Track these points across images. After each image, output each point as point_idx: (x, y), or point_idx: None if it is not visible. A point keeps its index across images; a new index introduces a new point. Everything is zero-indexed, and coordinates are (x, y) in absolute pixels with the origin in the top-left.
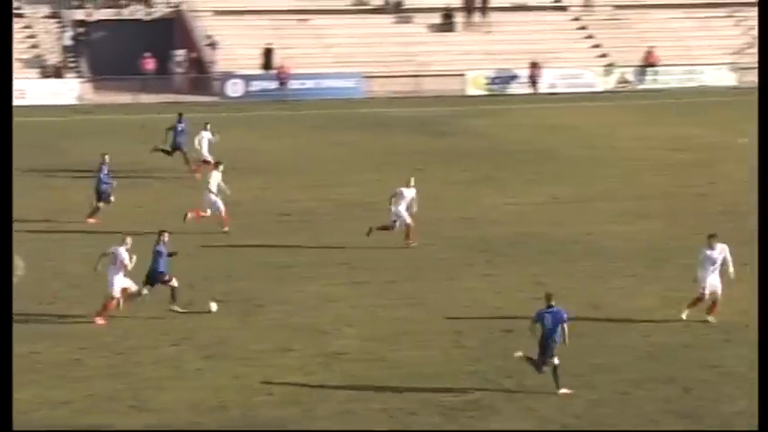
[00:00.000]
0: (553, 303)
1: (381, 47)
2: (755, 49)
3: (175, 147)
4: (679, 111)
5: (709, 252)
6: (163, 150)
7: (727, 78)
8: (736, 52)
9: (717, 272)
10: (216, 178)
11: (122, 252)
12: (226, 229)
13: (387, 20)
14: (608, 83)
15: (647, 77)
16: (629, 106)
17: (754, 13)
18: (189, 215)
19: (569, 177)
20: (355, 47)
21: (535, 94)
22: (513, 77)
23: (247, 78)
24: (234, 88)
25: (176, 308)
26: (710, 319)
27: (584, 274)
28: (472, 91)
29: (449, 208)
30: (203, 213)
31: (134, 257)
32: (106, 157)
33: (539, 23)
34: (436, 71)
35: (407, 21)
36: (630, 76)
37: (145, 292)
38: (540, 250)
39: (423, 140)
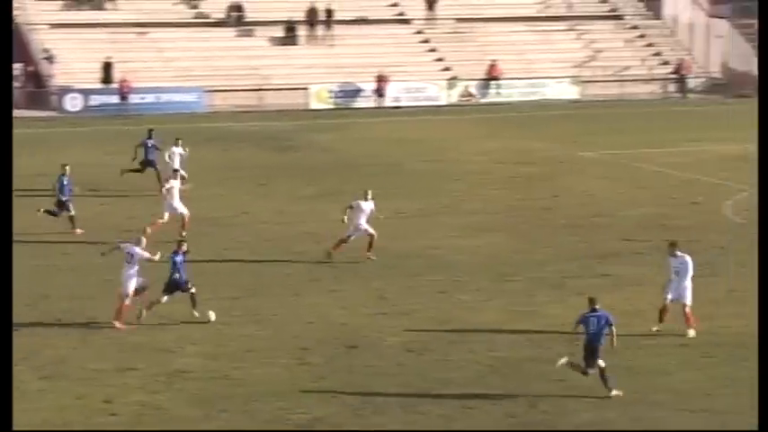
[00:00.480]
0: (597, 307)
1: (223, 60)
2: (597, 63)
3: (147, 164)
4: (522, 124)
5: (671, 260)
6: (132, 170)
7: (569, 92)
8: (577, 65)
9: (682, 281)
10: (176, 186)
11: (138, 251)
12: (184, 234)
13: (228, 33)
14: (451, 96)
15: (490, 91)
16: (472, 119)
17: (594, 26)
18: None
19: (414, 191)
20: (196, 60)
21: (380, 107)
22: (358, 91)
23: (86, 93)
24: (72, 103)
25: (196, 313)
26: (691, 332)
27: (429, 288)
28: (316, 105)
29: (294, 223)
30: (161, 221)
31: (158, 253)
32: (67, 168)
33: (382, 37)
34: (279, 85)
35: (249, 34)
36: (474, 90)
37: (164, 299)
38: (384, 265)
39: (266, 155)
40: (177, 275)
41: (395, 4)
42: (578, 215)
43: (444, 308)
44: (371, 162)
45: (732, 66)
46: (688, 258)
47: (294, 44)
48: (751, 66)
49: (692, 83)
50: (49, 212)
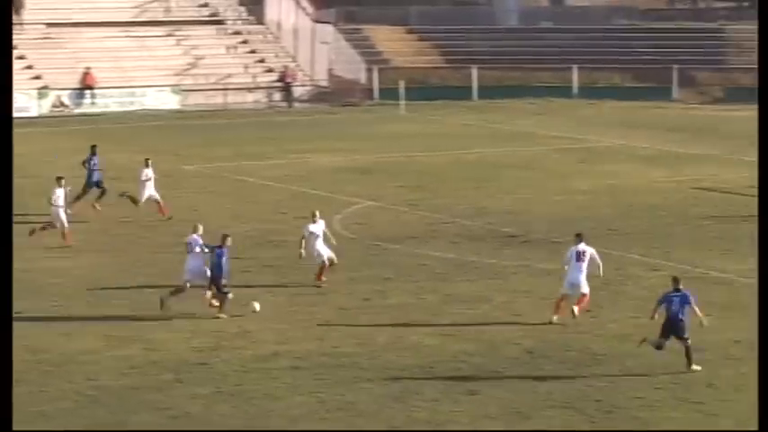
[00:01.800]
0: (681, 287)
1: None
2: (198, 70)
3: (91, 184)
4: (119, 136)
5: (574, 249)
6: (79, 196)
7: (169, 101)
8: (178, 73)
9: (582, 271)
10: (61, 194)
11: (197, 239)
12: (68, 244)
13: None
14: (42, 107)
15: (84, 101)
16: (66, 132)
17: (194, 32)
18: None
19: None
20: None
21: None
22: None
23: None
24: None
25: (222, 315)
26: (575, 309)
27: (20, 315)
28: None
29: None
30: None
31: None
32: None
33: None
34: None
35: None
36: (67, 100)
37: (230, 296)
38: None
39: None
40: (216, 269)
41: None
42: (183, 233)
43: (36, 335)
44: None
45: (338, 73)
46: (592, 250)
47: None
48: (357, 73)
49: (297, 91)
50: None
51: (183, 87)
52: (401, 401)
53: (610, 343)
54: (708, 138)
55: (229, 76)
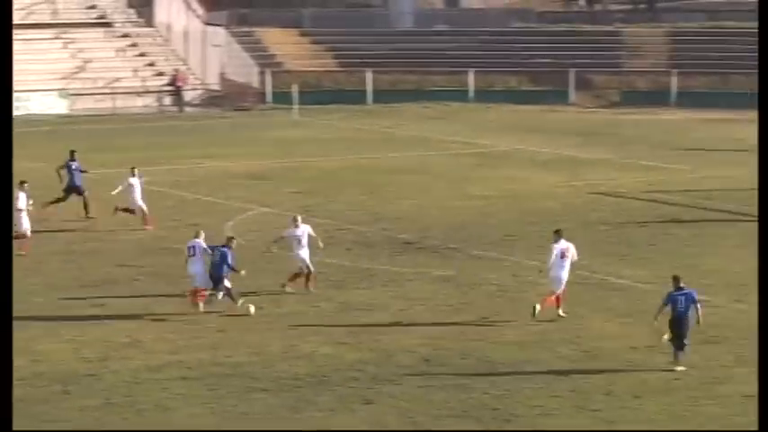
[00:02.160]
0: (683, 285)
1: None
2: (86, 74)
3: (72, 189)
4: None
5: (558, 248)
6: (54, 201)
7: (56, 106)
8: (65, 77)
9: (564, 268)
10: (23, 198)
11: (201, 243)
12: (23, 252)
13: None
14: None
15: None
16: None
17: (82, 34)
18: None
19: None
20: None
21: None
22: None
23: None
24: None
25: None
26: (561, 313)
27: None
28: None
29: None
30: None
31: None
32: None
33: None
34: None
35: None
36: None
37: (220, 296)
38: None
39: None
40: (221, 270)
41: None
42: (73, 241)
43: None
44: None
45: (230, 77)
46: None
47: None
48: (250, 77)
49: (188, 95)
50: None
51: (71, 91)
52: (296, 411)
53: (507, 350)
54: (605, 142)
55: (118, 79)
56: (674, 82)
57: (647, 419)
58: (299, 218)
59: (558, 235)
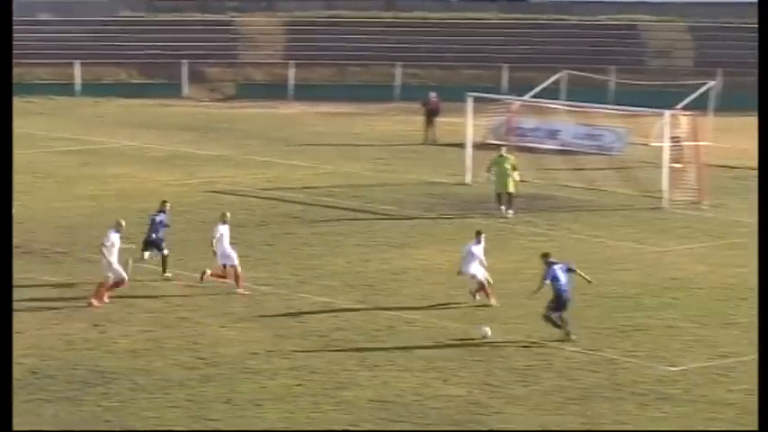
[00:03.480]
0: (552, 259)
1: None
2: None
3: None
4: None
5: (474, 247)
6: None
7: None
8: None
9: (479, 262)
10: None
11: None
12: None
13: None
14: None
15: None
16: None
17: None
18: None
19: None
20: None
21: None
22: None
23: None
24: None
25: (168, 275)
26: (493, 302)
27: None
28: None
29: None
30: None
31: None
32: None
33: None
34: None
35: None
36: None
37: (146, 256)
38: None
39: None
40: (154, 235)
41: None
42: None
43: None
44: None
45: None
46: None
47: None
48: None
49: None
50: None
51: None
52: None
53: (120, 359)
54: (221, 137)
55: None
56: (292, 74)
57: (268, 427)
58: (228, 214)
59: (479, 235)
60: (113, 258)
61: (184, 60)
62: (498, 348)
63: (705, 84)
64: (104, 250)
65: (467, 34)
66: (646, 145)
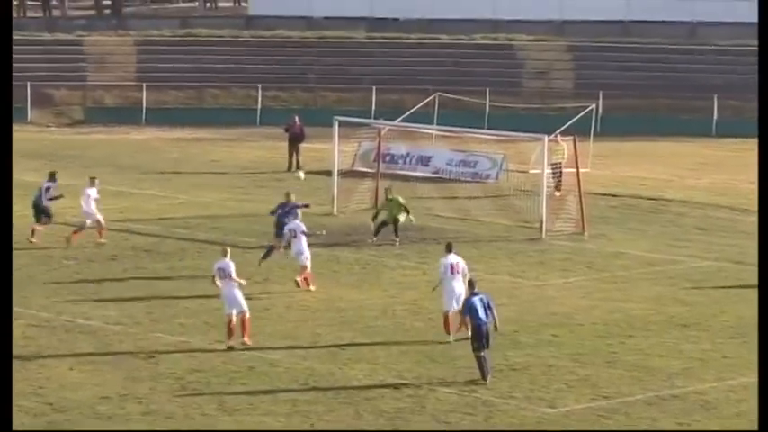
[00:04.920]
0: (476, 290)
1: None
2: None
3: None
4: None
5: (443, 260)
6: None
7: None
8: None
9: (458, 281)
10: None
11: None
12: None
13: None
14: None
15: None
16: None
17: None
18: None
19: None
20: None
21: None
22: None
23: None
24: None
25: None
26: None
27: None
28: None
29: None
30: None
31: None
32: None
33: None
34: None
35: None
36: None
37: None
38: None
39: None
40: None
41: None
42: None
43: None
44: None
45: None
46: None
47: None
48: None
49: None
50: None
51: None
52: None
53: None
54: (69, 165)
55: None
56: (145, 97)
57: None
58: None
59: (447, 249)
60: None
61: (29, 82)
62: (367, 390)
63: (586, 107)
64: None
65: (332, 54)
66: (524, 172)
